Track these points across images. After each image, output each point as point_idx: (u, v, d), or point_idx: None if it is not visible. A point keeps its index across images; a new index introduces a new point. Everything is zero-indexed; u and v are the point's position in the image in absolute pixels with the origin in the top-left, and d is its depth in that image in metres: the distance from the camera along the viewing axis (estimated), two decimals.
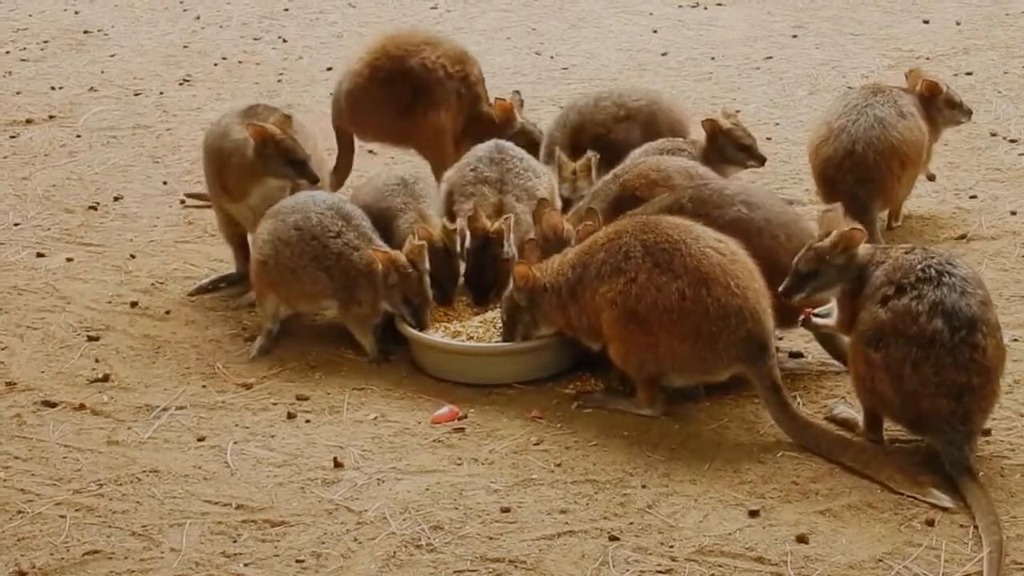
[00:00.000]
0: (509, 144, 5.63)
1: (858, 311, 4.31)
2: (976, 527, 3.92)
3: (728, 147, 5.78)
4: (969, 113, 6.10)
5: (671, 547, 3.92)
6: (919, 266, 4.22)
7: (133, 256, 5.98)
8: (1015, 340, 4.93)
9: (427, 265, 5.01)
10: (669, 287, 4.45)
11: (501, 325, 4.92)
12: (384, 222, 5.31)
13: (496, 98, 6.42)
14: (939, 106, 5.99)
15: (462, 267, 5.23)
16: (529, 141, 6.30)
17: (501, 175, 5.42)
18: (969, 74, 7.76)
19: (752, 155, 5.84)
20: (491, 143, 5.63)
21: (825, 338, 4.81)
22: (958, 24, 8.74)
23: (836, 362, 4.80)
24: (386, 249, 5.02)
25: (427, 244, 5.08)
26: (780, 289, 4.45)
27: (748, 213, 4.78)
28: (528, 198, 5.38)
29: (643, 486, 4.22)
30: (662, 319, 4.45)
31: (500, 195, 5.38)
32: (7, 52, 8.96)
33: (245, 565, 3.92)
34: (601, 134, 6.04)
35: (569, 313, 4.72)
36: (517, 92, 6.59)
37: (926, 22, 8.83)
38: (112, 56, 8.81)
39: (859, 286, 4.35)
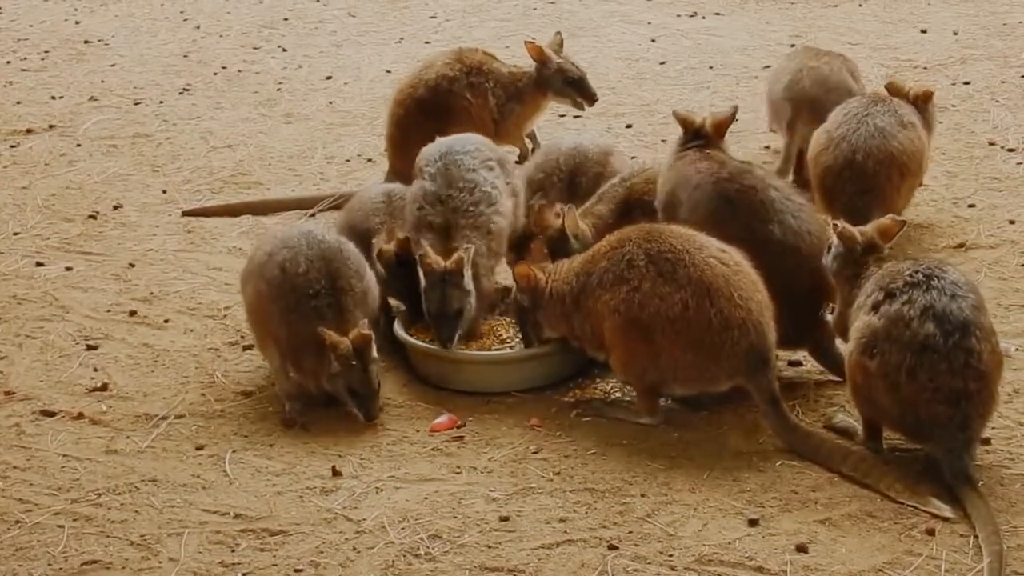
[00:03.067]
0: (459, 175, 5.08)
1: (852, 322, 4.33)
2: (976, 537, 3.92)
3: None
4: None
5: (670, 556, 3.92)
6: (907, 272, 4.25)
7: (132, 265, 5.97)
8: (1017, 350, 4.92)
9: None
10: (672, 297, 4.44)
11: (518, 331, 4.93)
12: (366, 244, 5.16)
13: (525, 41, 6.59)
14: (931, 110, 6.02)
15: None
16: (566, 79, 6.47)
17: (446, 219, 5.00)
18: (967, 83, 7.75)
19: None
20: (441, 170, 5.09)
21: (821, 351, 4.81)
22: (955, 34, 8.73)
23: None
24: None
25: (383, 257, 5.05)
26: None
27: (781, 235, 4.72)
28: (480, 235, 5.01)
29: (642, 495, 4.21)
30: (664, 329, 4.44)
31: (447, 241, 4.96)
32: (8, 62, 8.95)
33: (244, 574, 3.91)
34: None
35: (572, 322, 4.72)
36: (559, 32, 6.71)
37: (924, 32, 8.82)
38: (112, 66, 8.81)
39: (850, 292, 4.41)
